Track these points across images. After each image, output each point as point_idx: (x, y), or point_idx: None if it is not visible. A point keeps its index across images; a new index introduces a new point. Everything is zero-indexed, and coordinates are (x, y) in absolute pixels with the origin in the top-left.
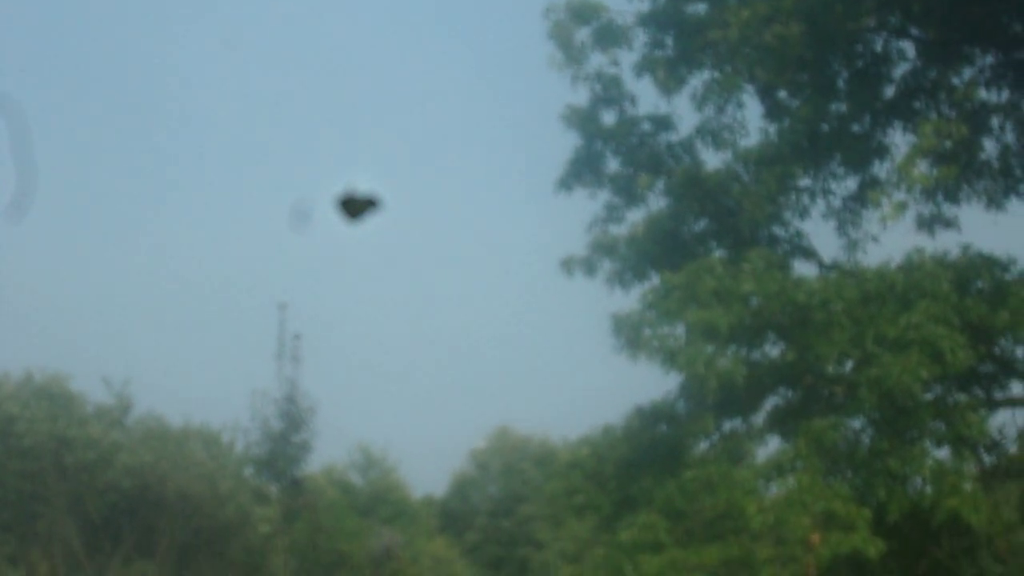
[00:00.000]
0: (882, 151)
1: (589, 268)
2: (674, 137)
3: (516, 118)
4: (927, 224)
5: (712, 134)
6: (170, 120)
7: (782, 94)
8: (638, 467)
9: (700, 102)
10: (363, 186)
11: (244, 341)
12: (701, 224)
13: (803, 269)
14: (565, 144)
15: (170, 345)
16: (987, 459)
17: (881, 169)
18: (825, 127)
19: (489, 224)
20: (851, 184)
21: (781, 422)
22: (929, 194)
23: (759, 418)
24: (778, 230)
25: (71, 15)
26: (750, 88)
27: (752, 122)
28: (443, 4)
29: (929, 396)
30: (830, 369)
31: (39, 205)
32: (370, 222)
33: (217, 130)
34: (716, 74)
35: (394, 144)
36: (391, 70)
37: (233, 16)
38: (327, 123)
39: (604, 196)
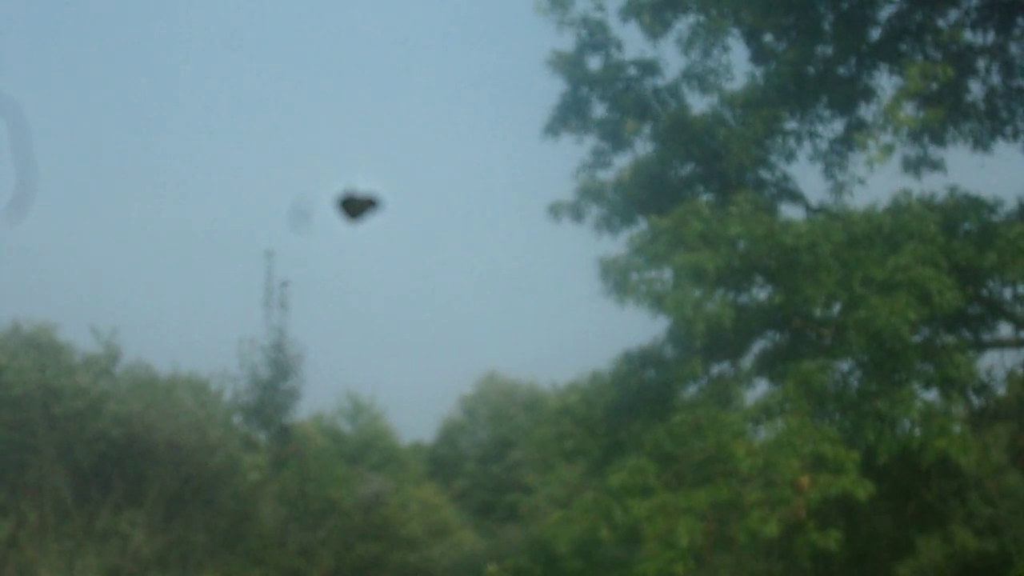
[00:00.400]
0: (868, 94)
1: (577, 213)
2: (660, 82)
3: (505, 63)
4: (913, 166)
5: (698, 78)
6: (170, 120)
7: (768, 37)
8: (627, 412)
9: (686, 46)
10: (363, 185)
11: (232, 289)
12: (688, 168)
13: (790, 212)
14: (552, 90)
15: (158, 293)
16: (976, 401)
17: (867, 112)
18: (811, 70)
19: (475, 171)
20: (837, 127)
21: (769, 365)
22: (915, 136)
23: (747, 361)
24: (765, 173)
25: (71, 15)
26: (736, 32)
27: (738, 66)
28: None
29: (917, 338)
30: (818, 312)
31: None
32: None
33: (217, 130)
34: (702, 18)
35: (407, 87)
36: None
37: (233, 16)
38: (327, 123)
39: (591, 141)
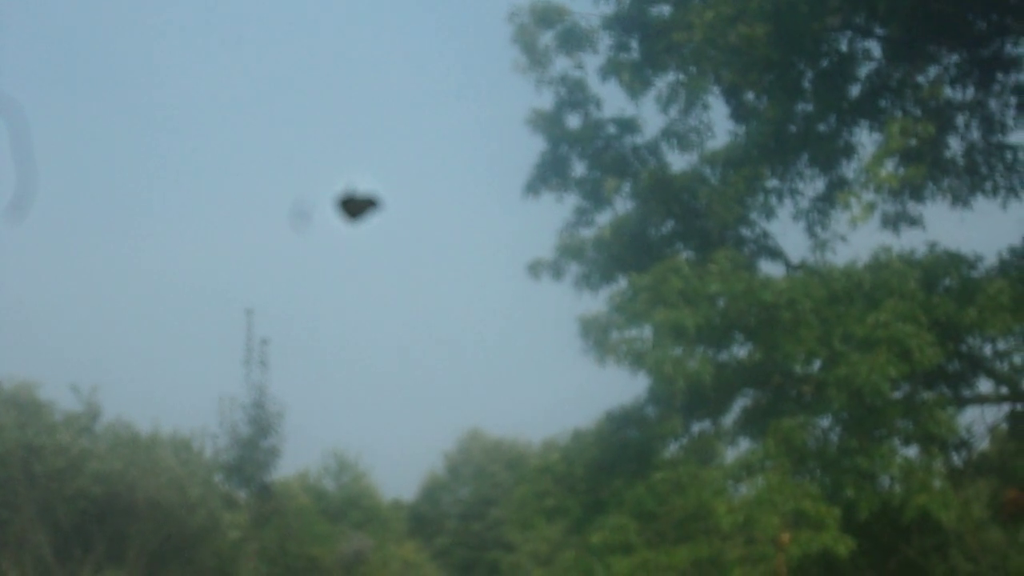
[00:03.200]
0: (849, 150)
1: (556, 271)
2: (640, 140)
3: (490, 118)
4: (892, 222)
5: (678, 136)
6: (170, 120)
7: (748, 95)
8: (608, 470)
9: (666, 104)
10: (363, 186)
11: (213, 346)
12: (668, 226)
13: (770, 269)
14: (532, 147)
15: (138, 351)
16: (956, 457)
17: (848, 168)
18: (791, 127)
19: (458, 226)
20: (819, 184)
21: (750, 422)
22: (895, 193)
23: (728, 419)
24: (745, 231)
25: (71, 15)
26: (716, 89)
27: (718, 123)
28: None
29: (897, 394)
30: (798, 368)
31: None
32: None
33: (217, 130)
34: (681, 76)
35: (392, 145)
36: (390, 70)
37: (232, 16)
38: (327, 123)
39: (572, 199)
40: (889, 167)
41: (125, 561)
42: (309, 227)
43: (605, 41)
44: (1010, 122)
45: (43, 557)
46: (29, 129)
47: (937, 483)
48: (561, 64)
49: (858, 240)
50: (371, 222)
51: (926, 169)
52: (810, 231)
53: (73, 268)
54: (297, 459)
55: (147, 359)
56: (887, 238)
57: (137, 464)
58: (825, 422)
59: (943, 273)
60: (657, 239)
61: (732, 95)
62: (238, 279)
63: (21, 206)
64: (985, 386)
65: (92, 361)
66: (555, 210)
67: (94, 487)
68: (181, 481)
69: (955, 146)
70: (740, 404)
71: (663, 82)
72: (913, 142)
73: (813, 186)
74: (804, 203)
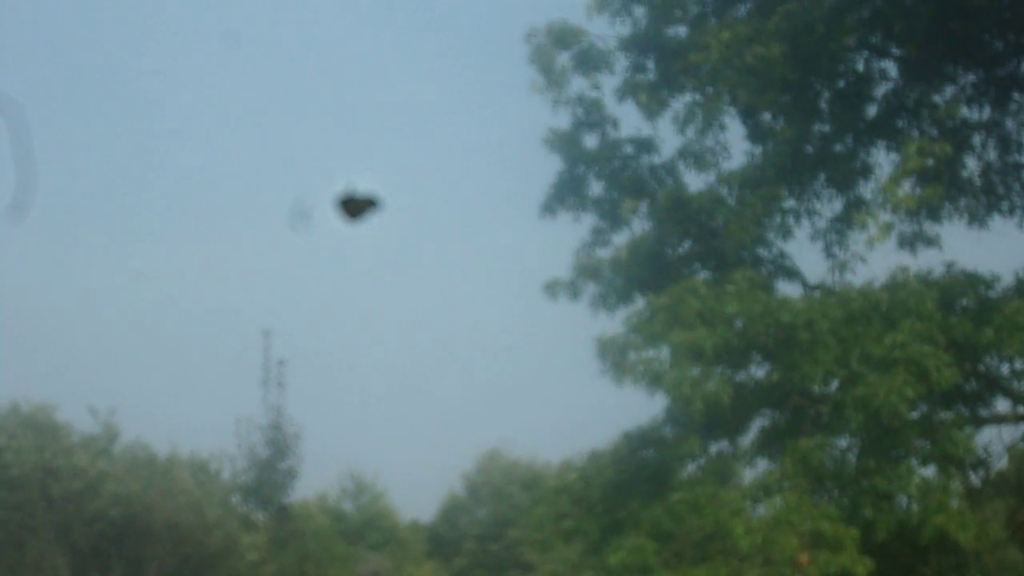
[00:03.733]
0: (866, 171)
1: (573, 291)
2: (657, 160)
3: (504, 136)
4: (909, 242)
5: (695, 156)
6: (170, 121)
7: (765, 116)
8: (625, 491)
9: (682, 125)
10: (363, 186)
11: (230, 368)
12: (685, 246)
13: (787, 290)
14: (550, 167)
15: (156, 373)
16: (974, 477)
17: (865, 189)
18: (808, 148)
19: (476, 245)
20: (836, 205)
21: (768, 442)
22: (912, 213)
23: (746, 439)
24: (762, 251)
25: (71, 15)
26: (732, 110)
27: (735, 144)
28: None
29: (915, 414)
30: (816, 389)
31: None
32: (365, 232)
33: (217, 130)
34: (698, 97)
35: (393, 153)
36: (392, 72)
37: (232, 17)
38: (327, 123)
39: (589, 219)
40: (906, 187)
41: None
42: (310, 227)
43: (622, 62)
44: None
45: None
46: (29, 129)
47: (955, 503)
48: (578, 84)
49: (875, 260)
50: (388, 240)
51: (943, 189)
52: (827, 251)
53: (83, 288)
54: (315, 480)
55: (164, 381)
56: (904, 258)
57: (155, 486)
58: (843, 442)
59: (960, 293)
60: (674, 259)
61: (749, 115)
62: (251, 298)
63: (21, 206)
64: (1003, 405)
65: (110, 383)
66: (572, 229)
67: (112, 509)
68: (199, 503)
69: (972, 166)
70: (758, 424)
71: (680, 103)
72: (930, 162)
73: (830, 206)
74: (821, 223)
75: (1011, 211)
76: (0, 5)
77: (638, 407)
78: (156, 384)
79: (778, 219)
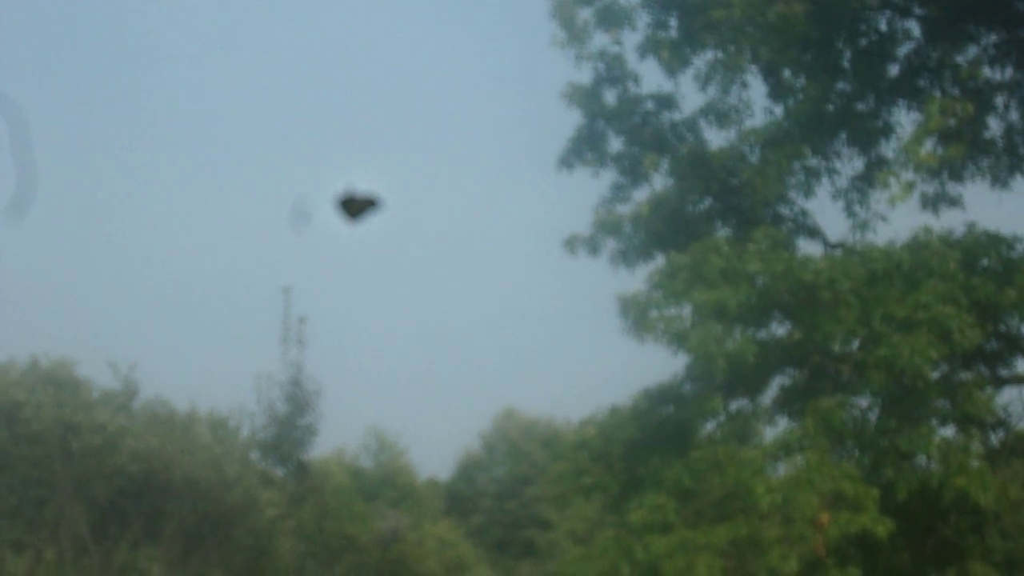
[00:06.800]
0: (888, 130)
1: (593, 247)
2: (678, 116)
3: (518, 97)
4: (931, 203)
5: (716, 113)
6: (170, 120)
7: (786, 73)
8: (646, 448)
9: (704, 82)
10: (363, 186)
11: (250, 325)
12: (706, 203)
13: (808, 248)
14: (567, 124)
15: (176, 330)
16: (994, 437)
17: (887, 148)
18: (830, 107)
19: (493, 205)
20: (858, 164)
21: (788, 401)
22: (934, 173)
23: (766, 398)
24: (783, 209)
25: (70, 15)
26: (754, 68)
27: (756, 102)
28: None
29: (936, 375)
30: (837, 348)
31: (41, 198)
32: (387, 195)
33: (217, 129)
34: (720, 54)
35: (396, 124)
36: (392, 59)
37: (232, 16)
38: (327, 123)
39: (607, 175)
40: (928, 147)
41: (161, 539)
42: (311, 226)
43: (644, 18)
44: None
45: (80, 535)
46: (29, 129)
47: (975, 463)
48: (599, 40)
49: (897, 220)
50: (411, 202)
51: (965, 149)
52: (849, 211)
53: (113, 248)
54: (334, 438)
55: (184, 338)
56: (926, 218)
57: (174, 442)
58: (863, 402)
59: (982, 254)
60: (695, 216)
61: (770, 73)
62: (271, 262)
63: (21, 205)
64: (1023, 366)
65: (130, 339)
66: (590, 188)
67: (131, 465)
68: (218, 459)
69: (994, 126)
70: (778, 383)
71: (701, 60)
72: (952, 122)
73: (852, 165)
74: (843, 182)
75: None
76: (0, 5)
77: (658, 367)
78: (176, 341)
79: (800, 177)
